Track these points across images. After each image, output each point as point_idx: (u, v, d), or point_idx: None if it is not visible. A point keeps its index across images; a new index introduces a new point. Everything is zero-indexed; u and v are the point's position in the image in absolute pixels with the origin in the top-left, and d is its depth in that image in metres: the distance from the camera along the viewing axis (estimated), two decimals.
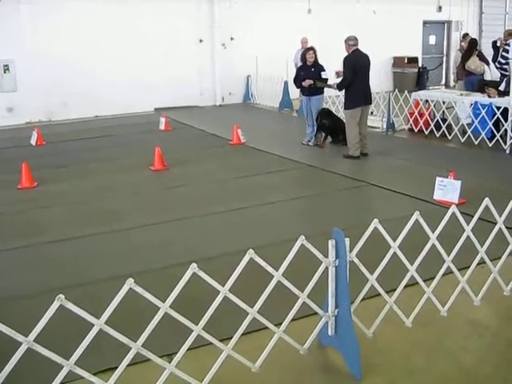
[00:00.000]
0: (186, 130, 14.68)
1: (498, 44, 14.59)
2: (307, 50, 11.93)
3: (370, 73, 10.65)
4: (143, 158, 10.64)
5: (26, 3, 15.66)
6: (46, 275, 5.81)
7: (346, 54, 10.51)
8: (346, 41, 10.50)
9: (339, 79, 10.81)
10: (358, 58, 10.43)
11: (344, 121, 11.16)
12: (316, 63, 11.69)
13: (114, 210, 7.93)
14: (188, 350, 3.52)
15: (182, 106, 18.14)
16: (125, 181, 9.54)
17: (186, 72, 18.08)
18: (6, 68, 15.98)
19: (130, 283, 3.16)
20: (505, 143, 10.69)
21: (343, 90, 10.81)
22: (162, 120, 14.56)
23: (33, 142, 12.95)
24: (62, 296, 2.99)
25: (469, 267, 4.58)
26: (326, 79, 11.55)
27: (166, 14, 17.38)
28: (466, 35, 15.56)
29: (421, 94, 13.25)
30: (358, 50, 10.46)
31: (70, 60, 16.02)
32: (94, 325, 3.14)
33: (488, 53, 14.70)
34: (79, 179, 9.70)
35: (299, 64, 12.67)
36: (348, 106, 10.57)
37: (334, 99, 13.99)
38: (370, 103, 10.97)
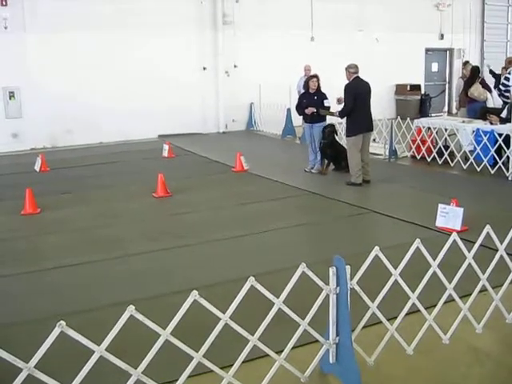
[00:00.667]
0: (189, 156, 14.74)
1: (499, 72, 14.73)
2: (311, 78, 12.03)
3: (373, 100, 10.77)
4: (146, 185, 10.67)
5: (30, 32, 15.89)
6: (48, 301, 5.81)
7: (347, 81, 10.61)
8: (346, 68, 10.64)
9: (341, 106, 10.91)
10: (359, 85, 10.57)
11: (346, 148, 11.21)
12: (319, 91, 11.76)
13: (116, 237, 7.94)
14: (189, 377, 3.51)
15: (185, 133, 18.23)
16: (128, 207, 9.56)
17: (189, 99, 18.23)
18: (12, 95, 16.15)
19: (131, 310, 3.17)
20: (507, 170, 10.71)
21: (345, 118, 10.89)
22: (166, 147, 14.62)
23: (37, 168, 13.03)
24: (63, 322, 2.99)
25: (470, 295, 4.57)
26: (329, 107, 11.61)
27: (169, 42, 17.56)
28: (466, 63, 15.69)
29: (423, 121, 13.30)
30: (358, 77, 10.59)
31: (74, 87, 16.23)
32: (94, 351, 3.14)
33: (489, 80, 14.80)
34: (82, 206, 9.72)
35: (302, 91, 12.76)
36: (349, 133, 10.66)
37: (336, 127, 14.02)
38: (372, 130, 11.05)
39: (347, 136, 10.83)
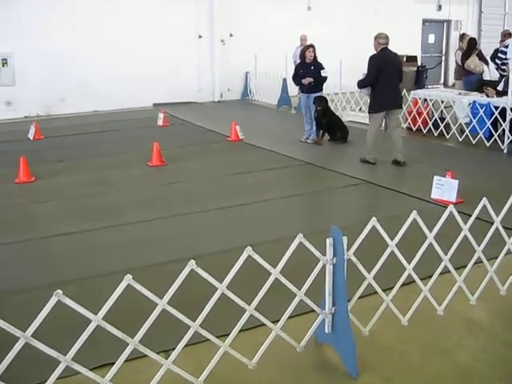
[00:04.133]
0: (184, 125, 14.68)
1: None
2: (307, 48, 11.93)
3: None
4: (141, 154, 10.63)
5: None
6: (44, 270, 5.81)
7: (374, 52, 9.82)
8: (375, 38, 9.78)
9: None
10: (386, 57, 9.67)
11: (341, 118, 11.10)
12: (315, 61, 11.69)
13: (111, 206, 7.93)
14: (185, 346, 3.52)
15: (180, 102, 18.15)
16: (123, 176, 9.54)
17: (185, 68, 18.13)
18: (5, 61, 15.97)
19: (128, 279, 3.16)
20: (502, 143, 10.70)
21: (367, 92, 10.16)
22: (161, 116, 14.55)
23: (31, 136, 12.94)
24: (59, 291, 2.98)
25: (466, 266, 4.58)
26: (326, 77, 11.55)
27: (165, 9, 17.36)
28: (463, 35, 15.53)
29: (419, 93, 13.26)
30: (387, 48, 9.71)
31: (68, 54, 16.08)
32: (91, 320, 3.14)
33: (487, 52, 14.70)
34: (77, 174, 9.68)
35: (298, 61, 12.67)
36: (371, 109, 10.03)
37: (332, 97, 13.97)
38: (399, 107, 10.28)
39: (368, 112, 10.26)
